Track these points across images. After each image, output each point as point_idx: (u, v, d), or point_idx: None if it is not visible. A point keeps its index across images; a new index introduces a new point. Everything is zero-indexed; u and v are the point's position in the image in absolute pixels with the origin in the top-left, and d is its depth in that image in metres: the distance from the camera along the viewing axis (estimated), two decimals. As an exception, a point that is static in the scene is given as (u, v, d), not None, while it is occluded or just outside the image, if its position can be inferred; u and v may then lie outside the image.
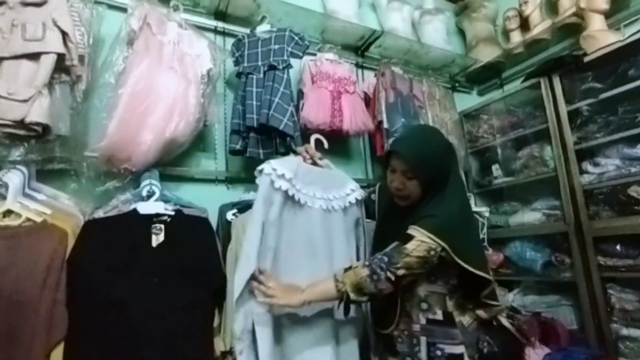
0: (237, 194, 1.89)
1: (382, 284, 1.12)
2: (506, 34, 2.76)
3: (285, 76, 1.82)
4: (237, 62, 1.91)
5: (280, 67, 1.82)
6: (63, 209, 1.43)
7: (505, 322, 2.03)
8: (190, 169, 1.84)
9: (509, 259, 2.29)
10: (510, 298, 2.18)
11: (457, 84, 2.71)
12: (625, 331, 1.85)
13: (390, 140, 2.02)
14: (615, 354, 1.87)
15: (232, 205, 1.74)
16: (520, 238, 2.27)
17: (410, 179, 1.19)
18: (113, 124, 1.48)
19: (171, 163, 1.75)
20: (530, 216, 2.24)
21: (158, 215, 1.52)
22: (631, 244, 1.87)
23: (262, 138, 1.79)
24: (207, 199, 1.79)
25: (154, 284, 1.44)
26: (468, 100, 2.71)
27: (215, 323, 1.55)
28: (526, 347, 1.95)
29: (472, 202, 2.23)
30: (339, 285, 1.14)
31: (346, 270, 1.18)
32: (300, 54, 1.90)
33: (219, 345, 1.52)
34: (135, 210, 1.50)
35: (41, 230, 1.30)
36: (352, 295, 1.13)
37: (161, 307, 1.42)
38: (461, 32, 2.97)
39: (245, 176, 1.91)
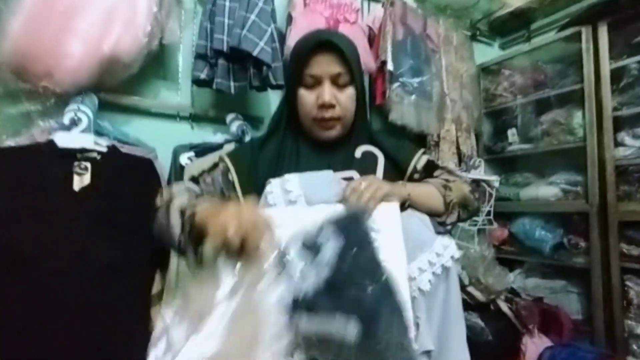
0: (204, 134, 1.44)
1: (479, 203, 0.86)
2: (542, -24, 2.16)
3: (267, -12, 1.31)
4: (208, -33, 1.38)
5: (262, -24, 1.30)
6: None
7: (503, 306, 1.66)
8: (145, 100, 1.37)
9: (514, 235, 1.89)
10: (511, 279, 1.79)
11: (477, 32, 2.16)
12: (640, 329, 1.49)
13: (394, 86, 1.53)
14: (624, 352, 1.52)
15: (190, 147, 1.30)
16: (530, 214, 1.85)
17: (344, 86, 0.74)
18: (18, 21, 1.00)
19: (119, 90, 1.29)
20: (545, 191, 1.81)
21: (84, 150, 1.09)
22: (664, 232, 1.46)
23: (234, 67, 1.31)
24: (166, 139, 1.35)
25: (74, 238, 1.04)
26: (487, 54, 2.18)
27: (155, 290, 1.16)
28: (524, 336, 1.59)
29: (480, 169, 1.78)
30: (447, 194, 0.75)
31: (444, 184, 0.77)
32: (291, -37, 1.38)
33: (158, 317, 1.14)
34: (51, 142, 1.06)
35: None
36: (461, 211, 0.77)
37: (83, 266, 1.03)
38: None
39: (214, 114, 1.46)
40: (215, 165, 0.79)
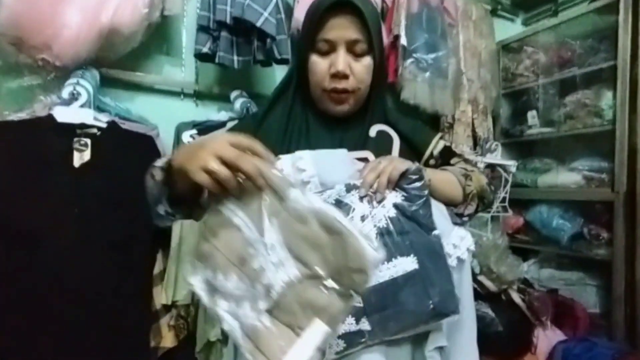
0: (207, 112, 1.39)
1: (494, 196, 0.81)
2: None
3: (273, -44, 1.21)
4: None
5: (268, -59, 1.20)
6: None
7: (515, 297, 1.57)
8: (148, 76, 1.32)
9: (530, 224, 1.78)
10: (524, 269, 1.70)
11: (499, 7, 1.99)
12: (664, 326, 1.38)
13: (408, 62, 1.43)
14: (645, 349, 1.41)
15: (193, 125, 1.25)
16: (548, 202, 1.73)
17: (361, 55, 0.65)
18: (13, -11, 0.95)
19: (121, 65, 1.24)
20: (565, 177, 1.68)
21: (83, 126, 1.05)
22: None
23: (237, 40, 1.24)
24: (169, 116, 1.31)
25: (74, 215, 1.02)
26: (509, 30, 2.02)
27: (157, 270, 1.14)
28: (536, 328, 1.51)
29: (497, 153, 1.67)
30: (467, 184, 0.69)
31: (465, 174, 0.72)
32: None
33: (160, 297, 1.12)
34: (50, 116, 1.02)
35: None
36: (479, 203, 0.72)
37: (83, 244, 1.01)
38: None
39: (218, 91, 1.39)
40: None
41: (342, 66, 0.63)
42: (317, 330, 0.41)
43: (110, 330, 1.01)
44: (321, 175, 0.58)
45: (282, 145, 0.66)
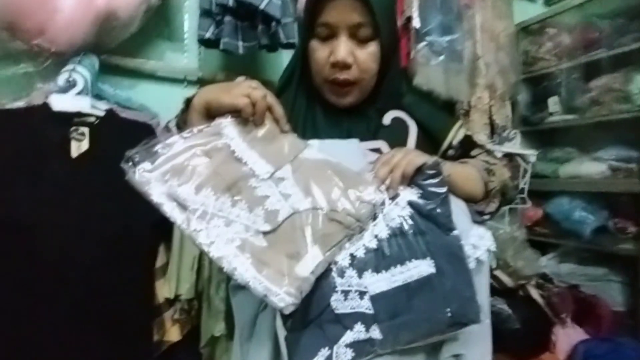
0: (212, 101, 1.32)
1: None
2: None
3: None
4: None
5: None
6: None
7: (534, 292, 1.49)
8: (149, 62, 1.26)
9: (550, 216, 1.67)
10: (543, 263, 1.61)
11: (519, -15, 1.87)
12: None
13: (421, 46, 1.33)
14: (674, 350, 1.32)
15: (196, 113, 1.19)
16: (570, 193, 1.62)
17: (365, 41, 0.59)
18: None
19: (121, 51, 1.19)
20: (589, 167, 1.57)
21: (81, 115, 1.00)
22: None
23: (242, 25, 1.16)
24: (172, 105, 1.21)
25: (70, 206, 0.97)
26: (528, 11, 1.88)
27: (159, 263, 1.09)
28: (555, 326, 1.43)
29: (515, 142, 1.57)
30: (490, 180, 0.63)
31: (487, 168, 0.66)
32: None
33: (163, 291, 1.08)
34: (45, 104, 0.97)
35: None
36: (501, 200, 0.67)
37: (82, 236, 0.97)
38: None
39: (223, 78, 1.33)
40: None
41: (343, 55, 0.57)
42: (313, 256, 0.45)
43: (110, 324, 0.97)
44: None
45: None
